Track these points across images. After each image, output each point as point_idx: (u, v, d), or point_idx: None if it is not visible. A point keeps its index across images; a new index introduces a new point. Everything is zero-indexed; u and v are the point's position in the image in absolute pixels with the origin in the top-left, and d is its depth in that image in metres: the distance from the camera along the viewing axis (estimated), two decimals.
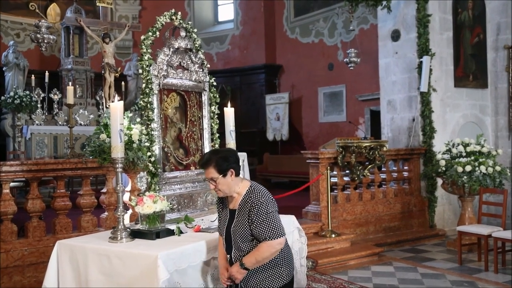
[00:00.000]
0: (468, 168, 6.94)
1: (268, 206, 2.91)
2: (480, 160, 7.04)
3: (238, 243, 2.97)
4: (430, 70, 8.22)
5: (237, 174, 3.05)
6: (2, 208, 4.86)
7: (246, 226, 2.93)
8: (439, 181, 7.86)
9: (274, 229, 2.87)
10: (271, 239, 2.86)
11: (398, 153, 8.19)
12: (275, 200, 3.04)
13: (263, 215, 2.88)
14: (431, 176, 8.09)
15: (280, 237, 2.89)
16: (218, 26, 16.64)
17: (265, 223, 2.87)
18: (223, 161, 3.01)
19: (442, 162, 7.33)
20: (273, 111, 14.48)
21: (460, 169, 6.98)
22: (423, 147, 8.27)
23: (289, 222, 4.10)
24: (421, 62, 8.21)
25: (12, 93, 11.19)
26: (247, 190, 3.02)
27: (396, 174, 8.24)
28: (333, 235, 6.79)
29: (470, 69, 8.84)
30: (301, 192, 7.29)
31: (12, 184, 5.23)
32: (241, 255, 2.96)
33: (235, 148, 4.25)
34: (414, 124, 8.37)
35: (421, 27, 8.23)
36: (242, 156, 8.25)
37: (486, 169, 6.94)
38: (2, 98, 11.28)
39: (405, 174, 8.33)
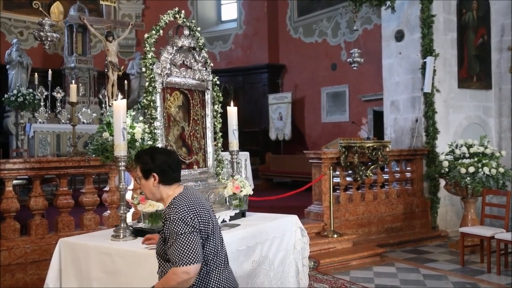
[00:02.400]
0: (471, 169, 6.92)
1: (181, 225, 2.42)
2: (484, 161, 7.03)
3: (158, 261, 2.61)
4: (434, 71, 8.20)
5: (164, 182, 2.64)
6: (5, 205, 4.87)
7: (161, 243, 2.55)
8: (442, 182, 7.85)
9: (182, 254, 2.38)
10: (176, 266, 2.39)
11: (401, 154, 8.18)
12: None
13: (173, 235, 2.42)
14: (434, 177, 8.08)
15: (187, 265, 2.37)
16: (221, 26, 16.64)
17: (174, 245, 2.41)
18: (148, 161, 2.65)
19: (445, 163, 7.31)
20: (276, 111, 14.47)
21: (463, 170, 6.97)
22: (426, 148, 8.26)
23: (291, 222, 4.10)
24: (424, 63, 8.19)
25: (15, 91, 11.22)
26: (170, 201, 2.59)
27: (398, 174, 8.23)
28: (335, 235, 6.78)
29: (474, 70, 8.82)
30: (303, 192, 7.29)
31: (15, 181, 5.25)
32: (160, 276, 2.58)
33: (237, 147, 4.26)
34: (417, 125, 8.36)
35: (425, 28, 8.22)
36: (245, 156, 8.26)
37: (490, 171, 6.92)
38: (6, 96, 11.32)
39: (408, 175, 8.31)
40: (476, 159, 7.13)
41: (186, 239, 2.41)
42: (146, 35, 3.69)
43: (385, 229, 7.82)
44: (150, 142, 3.63)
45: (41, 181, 5.27)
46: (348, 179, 7.55)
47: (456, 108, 8.62)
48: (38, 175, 5.16)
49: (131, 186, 5.57)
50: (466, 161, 7.16)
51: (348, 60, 11.21)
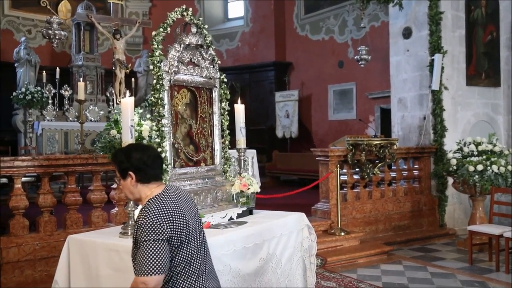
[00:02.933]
0: (480, 167, 6.88)
1: (148, 232, 2.27)
2: (492, 159, 6.99)
3: (133, 264, 2.43)
4: (442, 68, 8.16)
5: (142, 180, 2.49)
6: (14, 202, 4.91)
7: (133, 247, 2.40)
8: (450, 180, 7.81)
9: (144, 263, 2.24)
10: (137, 275, 2.26)
11: (409, 152, 8.15)
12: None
13: (141, 241, 2.28)
14: (441, 175, 8.05)
15: (146, 276, 2.22)
16: (228, 23, 16.63)
17: (139, 252, 2.27)
18: (123, 160, 2.50)
19: (453, 161, 7.27)
20: (283, 109, 14.46)
21: (471, 168, 6.93)
22: (433, 146, 8.22)
23: (299, 219, 4.09)
24: (432, 60, 8.15)
25: (23, 89, 11.28)
26: (145, 203, 2.43)
27: (406, 172, 8.20)
28: (342, 233, 6.77)
29: (482, 68, 8.76)
30: (310, 189, 7.28)
31: (23, 179, 5.28)
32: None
33: (244, 145, 4.26)
34: (425, 123, 8.32)
35: (433, 25, 8.17)
36: (252, 153, 8.25)
37: (498, 169, 6.88)
38: (14, 94, 11.38)
39: (416, 172, 8.28)
40: (484, 157, 7.09)
41: (151, 247, 2.26)
42: (153, 33, 3.69)
43: (393, 227, 7.80)
44: (157, 140, 3.63)
45: (49, 178, 5.30)
46: (355, 177, 7.54)
47: (464, 106, 8.57)
48: (47, 173, 5.18)
49: None
50: (475, 159, 7.12)
51: (355, 57, 11.18)
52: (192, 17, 3.97)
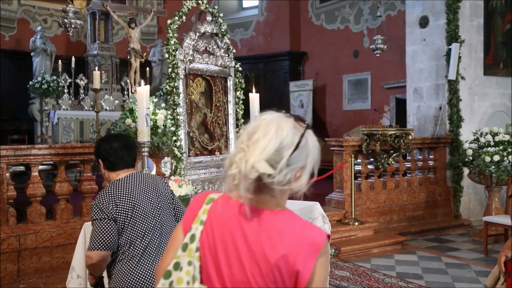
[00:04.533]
0: (496, 157, 6.80)
1: (96, 211, 2.53)
2: (509, 149, 6.90)
3: None
4: (459, 57, 8.04)
5: (108, 168, 2.72)
6: (31, 190, 4.98)
7: None
8: (466, 170, 7.74)
9: (91, 239, 2.49)
10: (88, 249, 2.51)
11: (424, 142, 8.08)
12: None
13: (91, 220, 2.57)
14: (457, 166, 7.97)
15: (91, 250, 2.47)
16: (243, 12, 16.55)
17: (92, 229, 2.54)
18: (95, 148, 2.78)
19: (469, 152, 7.20)
20: (297, 99, 14.40)
21: (488, 158, 6.85)
22: (449, 136, 8.14)
23: (313, 208, 4.09)
24: (449, 50, 8.04)
25: (39, 78, 11.38)
26: None
27: (421, 163, 8.14)
28: (356, 223, 6.76)
29: (500, 57, 8.61)
30: (324, 179, 7.26)
31: (40, 167, 5.34)
32: None
33: None
34: (441, 113, 8.23)
35: (450, 13, 8.05)
36: None
37: None
38: (30, 83, 11.49)
39: (431, 163, 8.21)
40: (501, 147, 7.00)
41: (97, 225, 2.48)
42: (169, 21, 3.70)
43: (407, 217, 7.76)
44: (172, 129, 3.64)
45: (65, 166, 5.35)
46: (370, 167, 7.50)
47: (481, 96, 8.45)
48: (63, 161, 5.24)
49: (154, 172, 5.62)
50: (491, 149, 7.03)
51: (370, 47, 11.07)
52: (207, 6, 3.97)
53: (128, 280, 2.49)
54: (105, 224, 2.47)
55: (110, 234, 2.46)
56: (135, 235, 2.53)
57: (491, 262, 6.03)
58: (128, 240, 2.52)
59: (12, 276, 4.77)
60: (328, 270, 1.46)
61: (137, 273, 2.51)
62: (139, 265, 2.52)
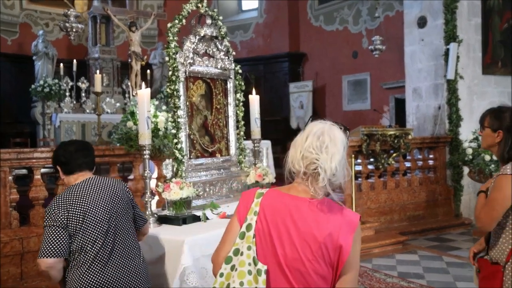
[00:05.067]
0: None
1: (47, 217, 2.53)
2: None
3: None
4: (457, 57, 8.03)
5: (65, 172, 2.75)
6: (33, 193, 4.97)
7: None
8: (466, 169, 7.72)
9: (41, 246, 2.48)
10: (38, 256, 2.49)
11: (424, 142, 8.06)
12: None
13: (43, 226, 2.56)
14: (457, 165, 7.96)
15: (39, 258, 2.45)
16: (242, 15, 16.56)
17: (43, 235, 2.53)
18: (52, 156, 2.83)
19: (469, 151, 7.18)
20: (297, 99, 14.40)
21: (487, 157, 6.84)
22: (449, 136, 8.12)
23: None
24: (448, 49, 8.02)
25: (41, 82, 11.39)
26: None
27: (421, 162, 8.12)
28: None
29: (498, 56, 8.59)
30: None
31: (43, 170, 5.33)
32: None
33: (259, 136, 4.25)
34: (440, 112, 8.21)
35: (448, 13, 8.03)
36: (266, 144, 8.25)
37: None
38: (32, 86, 11.50)
39: (431, 162, 8.20)
40: None
41: (46, 232, 2.48)
42: (169, 25, 3.68)
43: (408, 217, 7.74)
44: (173, 131, 3.63)
45: None
46: (370, 167, 7.48)
47: (480, 95, 8.43)
48: None
49: (155, 175, 5.62)
50: None
51: (369, 47, 11.06)
52: (207, 9, 3.95)
53: (78, 287, 2.48)
54: (54, 232, 2.47)
55: (58, 241, 2.46)
56: (86, 241, 2.52)
57: None
58: (79, 246, 2.52)
59: (15, 279, 4.76)
60: (360, 245, 1.82)
61: (87, 279, 2.50)
62: (89, 271, 2.51)
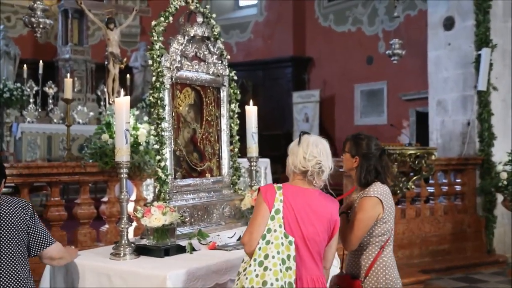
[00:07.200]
0: None
1: None
2: None
3: None
4: (490, 64, 8.11)
5: None
6: None
7: None
8: (500, 197, 7.75)
9: None
10: None
11: (449, 163, 8.10)
12: None
13: None
14: (489, 191, 7.98)
15: None
16: (239, 12, 16.71)
17: None
18: None
19: (504, 175, 7.22)
20: (301, 111, 14.46)
21: None
22: (480, 157, 8.16)
23: None
24: (479, 56, 8.11)
25: (0, 86, 11.40)
26: None
27: (446, 187, 8.15)
28: None
29: None
30: None
31: None
32: None
33: (256, 153, 4.28)
34: (469, 129, 8.27)
35: (480, 14, 8.13)
36: (265, 163, 8.28)
37: None
38: None
39: (458, 188, 8.23)
40: None
41: None
42: (153, 23, 3.72)
43: (430, 252, 7.74)
44: (156, 146, 3.64)
45: (29, 189, 5.34)
46: None
47: None
48: (27, 183, 5.23)
49: (133, 197, 5.63)
50: None
51: (387, 52, 11.14)
52: (197, 5, 4.00)
53: None
54: None
55: None
56: None
57: None
58: None
59: None
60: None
61: None
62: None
